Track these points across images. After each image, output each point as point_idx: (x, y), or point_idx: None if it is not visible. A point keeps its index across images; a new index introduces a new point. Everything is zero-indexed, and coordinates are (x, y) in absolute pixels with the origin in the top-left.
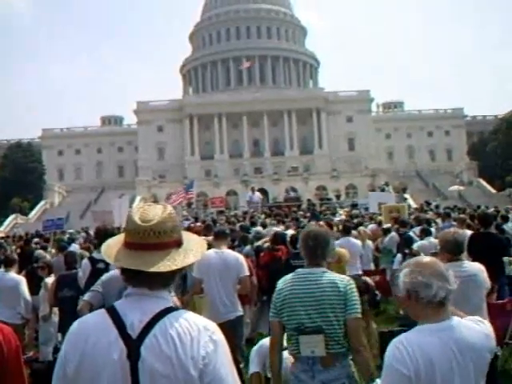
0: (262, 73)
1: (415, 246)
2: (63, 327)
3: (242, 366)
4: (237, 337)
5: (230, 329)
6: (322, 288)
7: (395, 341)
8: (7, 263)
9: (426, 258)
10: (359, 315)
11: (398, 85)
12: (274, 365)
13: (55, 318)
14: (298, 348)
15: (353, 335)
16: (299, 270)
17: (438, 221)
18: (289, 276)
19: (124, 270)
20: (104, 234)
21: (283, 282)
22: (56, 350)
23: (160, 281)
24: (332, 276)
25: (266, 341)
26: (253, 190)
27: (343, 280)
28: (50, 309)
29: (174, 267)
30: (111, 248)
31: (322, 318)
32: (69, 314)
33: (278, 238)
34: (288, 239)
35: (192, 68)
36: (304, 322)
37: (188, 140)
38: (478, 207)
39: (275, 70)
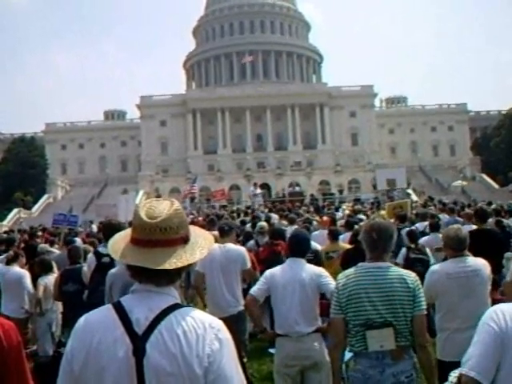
0: (266, 67)
1: (421, 241)
2: (67, 321)
3: (245, 360)
4: (240, 332)
5: (233, 323)
6: (391, 283)
7: (492, 308)
8: (11, 257)
9: None
10: (425, 311)
11: (401, 80)
12: (335, 364)
13: (51, 314)
14: (365, 344)
15: (419, 331)
16: (362, 264)
17: (441, 216)
18: (350, 270)
19: (130, 266)
20: (109, 228)
21: (346, 277)
22: (60, 344)
23: (166, 277)
24: (400, 271)
25: (274, 270)
26: (255, 184)
27: (411, 276)
28: (40, 305)
29: (180, 264)
30: (118, 244)
31: (390, 313)
32: (73, 308)
33: (276, 233)
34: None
35: (195, 62)
36: (372, 317)
37: (191, 134)
38: (487, 202)
39: (278, 64)
